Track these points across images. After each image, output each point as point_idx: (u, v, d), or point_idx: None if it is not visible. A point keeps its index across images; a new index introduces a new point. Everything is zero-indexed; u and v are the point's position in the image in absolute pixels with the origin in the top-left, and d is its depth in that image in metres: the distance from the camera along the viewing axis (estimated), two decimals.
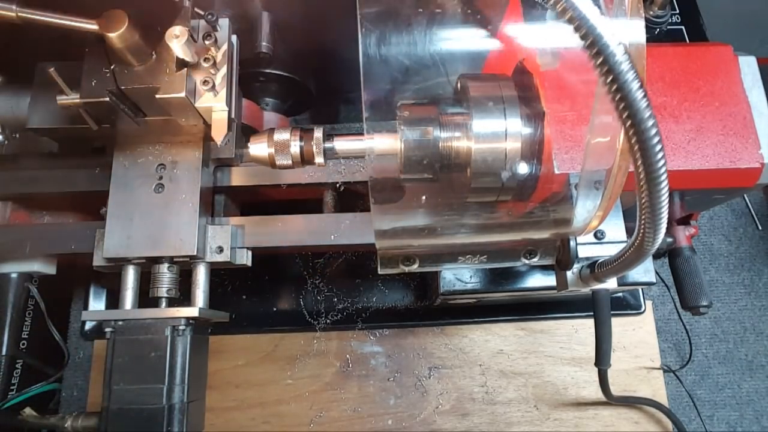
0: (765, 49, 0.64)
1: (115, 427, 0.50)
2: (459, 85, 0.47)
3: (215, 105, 0.50)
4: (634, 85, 0.27)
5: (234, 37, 0.54)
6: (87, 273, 0.77)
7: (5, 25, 0.44)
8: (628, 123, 0.28)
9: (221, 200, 0.61)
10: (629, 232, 0.57)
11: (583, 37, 0.27)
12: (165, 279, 0.54)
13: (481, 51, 0.50)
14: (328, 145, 0.47)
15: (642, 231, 0.36)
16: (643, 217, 0.34)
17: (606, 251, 0.55)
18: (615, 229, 0.57)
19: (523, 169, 0.44)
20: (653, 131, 0.28)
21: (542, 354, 0.81)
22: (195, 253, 0.52)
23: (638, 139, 0.29)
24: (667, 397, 0.80)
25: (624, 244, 0.56)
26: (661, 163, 0.30)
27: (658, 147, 0.29)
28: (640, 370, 0.81)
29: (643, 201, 0.32)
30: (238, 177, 0.60)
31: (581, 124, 0.48)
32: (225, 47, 0.51)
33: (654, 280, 0.63)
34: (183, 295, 0.55)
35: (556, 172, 0.47)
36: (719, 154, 0.51)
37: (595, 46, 0.27)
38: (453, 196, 0.48)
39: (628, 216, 0.58)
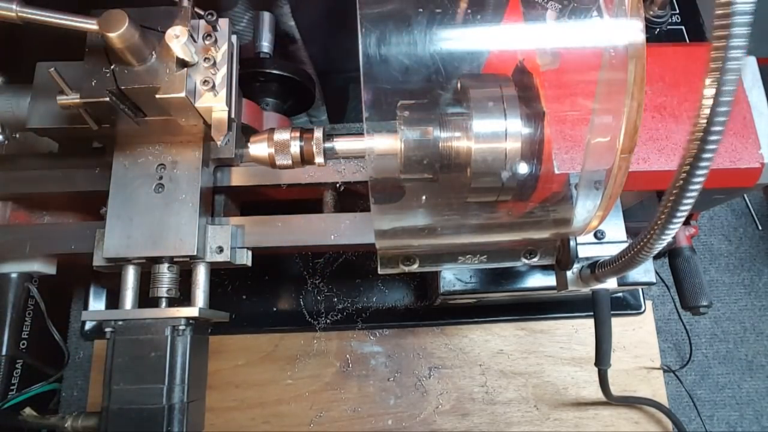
0: (765, 49, 0.64)
1: (115, 427, 0.50)
2: (459, 85, 0.47)
3: (215, 105, 0.50)
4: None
5: (234, 37, 0.54)
6: (87, 273, 0.77)
7: (5, 25, 0.44)
8: (710, 105, 0.28)
9: (221, 200, 0.61)
10: (629, 232, 0.57)
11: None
12: (165, 279, 0.54)
13: (481, 51, 0.50)
14: (328, 145, 0.47)
15: (653, 229, 0.36)
16: (662, 214, 0.34)
17: (606, 251, 0.55)
18: (615, 229, 0.57)
19: (523, 169, 0.44)
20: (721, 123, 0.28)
21: (542, 354, 0.81)
22: (195, 253, 0.52)
23: (704, 128, 0.29)
24: (667, 397, 0.80)
25: (624, 244, 0.56)
26: (708, 160, 0.30)
27: (714, 146, 0.29)
28: (640, 370, 0.81)
29: (670, 199, 0.32)
30: (238, 177, 0.60)
31: (581, 124, 0.48)
32: (225, 47, 0.51)
33: (654, 280, 0.63)
34: (183, 295, 0.55)
35: (556, 172, 0.47)
36: (719, 154, 0.51)
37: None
38: (453, 196, 0.48)
39: (628, 216, 0.58)
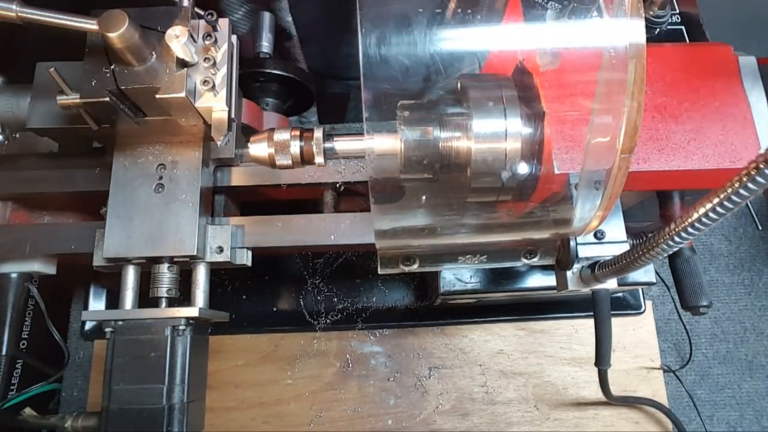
0: (765, 49, 0.64)
1: (115, 427, 0.50)
2: (459, 85, 0.47)
3: (215, 105, 0.50)
4: None
5: (234, 37, 0.54)
6: (87, 273, 0.77)
7: (5, 25, 0.44)
8: None
9: (221, 200, 0.61)
10: (629, 232, 0.57)
11: None
12: (165, 279, 0.54)
13: (481, 51, 0.50)
14: (328, 145, 0.47)
15: (660, 239, 0.37)
16: (674, 228, 0.35)
17: (606, 251, 0.55)
18: (615, 229, 0.57)
19: (523, 169, 0.44)
20: None
21: (542, 354, 0.81)
22: (195, 253, 0.52)
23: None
24: (667, 397, 0.80)
25: (624, 245, 0.56)
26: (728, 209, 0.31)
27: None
28: (640, 370, 0.81)
29: (702, 213, 0.33)
30: (238, 177, 0.60)
31: (581, 124, 0.48)
32: (225, 47, 0.51)
33: (654, 280, 0.63)
34: (183, 295, 0.55)
35: (556, 172, 0.47)
36: (719, 154, 0.51)
37: None
38: (453, 196, 0.48)
39: (628, 216, 0.58)
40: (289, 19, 0.76)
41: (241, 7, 0.75)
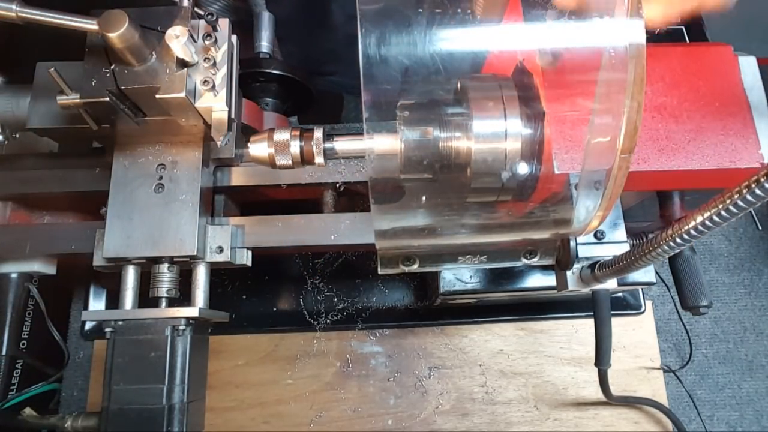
0: (765, 49, 0.64)
1: (115, 427, 0.50)
2: (459, 85, 0.47)
3: (215, 105, 0.50)
4: None
5: (234, 37, 0.54)
6: (87, 273, 0.77)
7: (5, 25, 0.44)
8: None
9: (221, 200, 0.61)
10: (629, 232, 0.57)
11: None
12: (165, 279, 0.54)
13: (481, 51, 0.50)
14: (328, 145, 0.47)
15: (662, 240, 0.37)
16: (677, 230, 0.35)
17: (606, 251, 0.55)
18: (615, 229, 0.57)
19: (523, 169, 0.44)
20: None
21: (542, 354, 0.81)
22: (195, 253, 0.52)
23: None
24: (667, 397, 0.80)
25: (624, 245, 0.56)
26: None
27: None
28: (640, 370, 0.81)
29: (707, 217, 0.33)
30: (238, 177, 0.60)
31: (581, 124, 0.48)
32: (225, 47, 0.51)
33: (654, 280, 0.63)
34: (183, 295, 0.55)
35: (556, 172, 0.47)
36: (719, 154, 0.51)
37: None
38: (453, 196, 0.48)
39: (629, 216, 0.58)
40: (266, 14, 0.76)
41: (218, 1, 0.74)
